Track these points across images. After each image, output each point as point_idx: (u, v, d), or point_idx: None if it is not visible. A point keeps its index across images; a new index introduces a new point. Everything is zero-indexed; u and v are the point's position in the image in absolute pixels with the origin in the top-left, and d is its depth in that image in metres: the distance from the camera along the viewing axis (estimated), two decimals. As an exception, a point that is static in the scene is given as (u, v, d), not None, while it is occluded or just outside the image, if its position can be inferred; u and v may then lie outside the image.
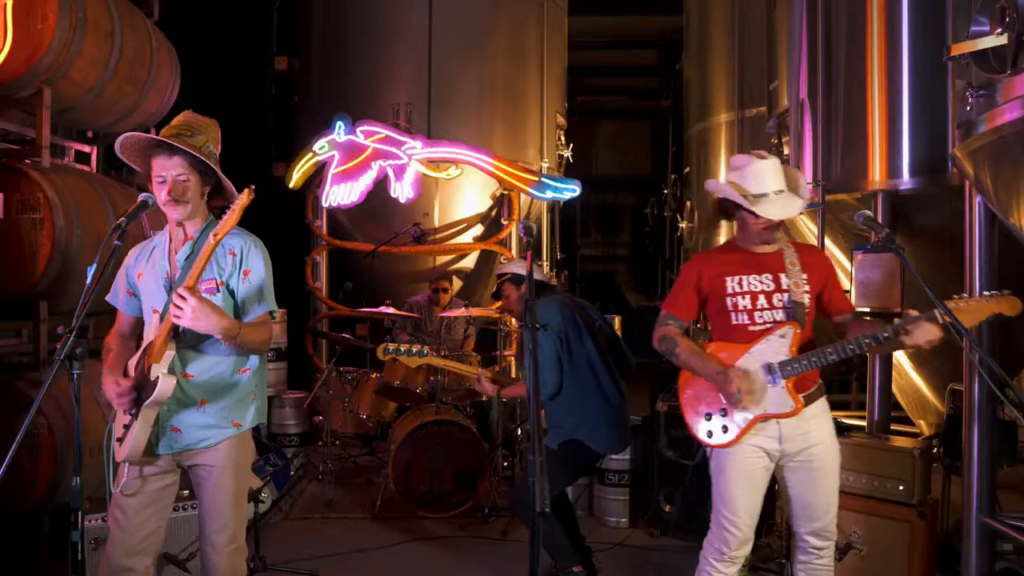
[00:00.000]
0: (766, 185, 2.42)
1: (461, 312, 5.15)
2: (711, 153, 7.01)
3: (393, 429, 4.88)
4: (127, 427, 2.19)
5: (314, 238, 6.74)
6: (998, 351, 2.99)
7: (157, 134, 2.25)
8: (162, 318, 2.17)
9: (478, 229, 6.72)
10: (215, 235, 2.09)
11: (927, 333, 2.28)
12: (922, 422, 4.88)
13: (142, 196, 2.20)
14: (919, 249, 3.83)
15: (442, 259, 6.73)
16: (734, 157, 2.56)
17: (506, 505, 4.13)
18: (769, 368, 2.43)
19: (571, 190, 6.23)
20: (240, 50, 7.29)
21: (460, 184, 6.50)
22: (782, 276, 2.47)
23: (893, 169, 3.79)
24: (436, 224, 6.55)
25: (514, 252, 6.62)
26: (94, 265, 2.14)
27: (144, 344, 2.24)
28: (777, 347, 2.44)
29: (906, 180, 3.74)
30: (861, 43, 3.93)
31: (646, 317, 7.52)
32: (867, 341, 2.35)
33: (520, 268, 3.46)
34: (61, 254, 3.35)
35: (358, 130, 6.07)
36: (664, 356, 2.56)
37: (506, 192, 6.51)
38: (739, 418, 2.46)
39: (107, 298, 2.41)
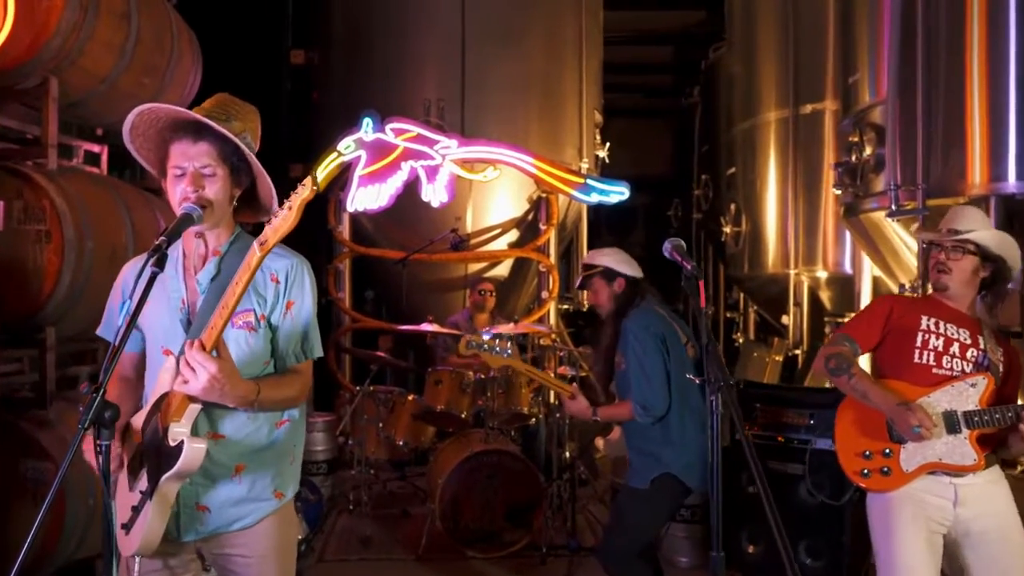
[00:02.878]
0: (944, 221, 2.40)
1: (508, 328, 4.68)
2: (759, 152, 6.56)
3: (436, 458, 4.42)
4: (136, 509, 1.64)
5: (336, 245, 6.28)
6: None
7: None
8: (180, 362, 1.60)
9: (513, 235, 6.25)
10: (262, 244, 1.53)
11: None
12: None
13: (185, 207, 1.64)
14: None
15: (474, 267, 6.26)
16: None
17: (591, 549, 3.64)
18: (950, 416, 2.19)
19: (619, 193, 5.72)
20: (253, 42, 6.78)
21: (494, 187, 6.01)
22: (980, 337, 2.30)
23: (997, 172, 3.49)
24: (468, 229, 6.07)
25: (552, 258, 6.15)
26: (127, 301, 1.64)
27: (154, 395, 1.68)
28: (965, 396, 2.20)
29: (1012, 183, 3.43)
30: (961, 33, 3.59)
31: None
32: None
33: (611, 261, 2.95)
34: (71, 272, 2.86)
35: (387, 128, 5.57)
36: (830, 375, 2.30)
37: (544, 195, 6.03)
38: (906, 461, 2.19)
39: (98, 331, 1.85)
